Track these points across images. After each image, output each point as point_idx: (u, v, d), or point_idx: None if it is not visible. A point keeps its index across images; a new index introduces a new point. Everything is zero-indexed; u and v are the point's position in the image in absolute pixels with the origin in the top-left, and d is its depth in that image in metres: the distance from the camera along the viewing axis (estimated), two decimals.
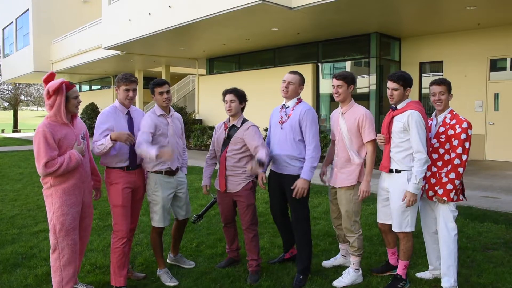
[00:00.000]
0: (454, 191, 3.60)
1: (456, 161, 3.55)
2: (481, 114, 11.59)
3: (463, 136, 3.54)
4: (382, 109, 12.72)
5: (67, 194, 3.39)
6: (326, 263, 4.35)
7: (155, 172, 3.92)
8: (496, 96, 11.53)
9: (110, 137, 3.57)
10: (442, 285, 3.67)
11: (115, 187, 3.72)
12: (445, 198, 3.60)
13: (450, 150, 3.60)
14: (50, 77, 3.37)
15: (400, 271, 3.81)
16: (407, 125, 3.56)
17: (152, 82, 3.96)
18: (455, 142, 3.56)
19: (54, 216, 3.39)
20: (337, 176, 3.98)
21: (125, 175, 3.75)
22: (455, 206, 3.70)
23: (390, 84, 3.69)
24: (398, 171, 3.67)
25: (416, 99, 12.39)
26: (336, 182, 3.99)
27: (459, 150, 3.54)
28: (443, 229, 3.67)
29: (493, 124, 11.50)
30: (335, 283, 3.87)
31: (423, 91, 12.87)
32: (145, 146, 3.63)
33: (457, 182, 3.57)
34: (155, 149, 3.58)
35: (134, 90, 3.77)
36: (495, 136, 11.50)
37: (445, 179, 3.61)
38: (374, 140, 3.82)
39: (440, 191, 3.62)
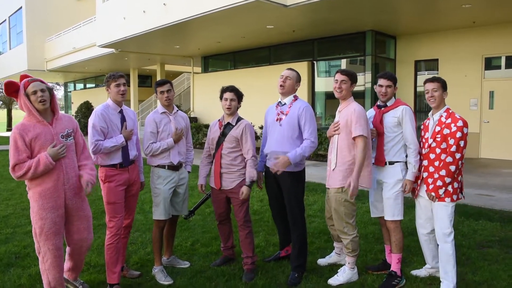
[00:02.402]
0: (443, 188, 3.57)
1: (448, 159, 3.54)
2: (476, 112, 11.61)
3: (458, 134, 3.52)
4: None
5: (43, 198, 3.23)
6: (322, 261, 4.35)
7: (158, 166, 4.06)
8: (491, 94, 11.56)
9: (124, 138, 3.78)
10: None
11: (108, 185, 3.74)
12: (433, 194, 3.60)
13: (447, 149, 3.57)
14: (20, 79, 3.28)
15: (394, 266, 3.82)
16: (401, 119, 3.80)
17: (155, 82, 4.19)
18: (451, 141, 3.54)
19: (33, 220, 3.28)
20: (329, 177, 3.94)
21: (119, 172, 3.77)
22: (454, 208, 3.64)
23: (384, 82, 3.87)
24: (391, 163, 3.84)
25: (411, 97, 12.57)
26: (328, 183, 3.96)
27: (453, 148, 3.53)
28: (440, 236, 3.63)
29: (488, 122, 11.53)
30: (330, 281, 3.87)
31: (418, 89, 12.89)
32: (158, 143, 4.02)
33: (447, 180, 3.55)
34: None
35: (124, 85, 3.82)
36: (490, 134, 11.53)
37: (436, 175, 3.61)
38: (363, 136, 3.66)
39: (431, 187, 3.65)
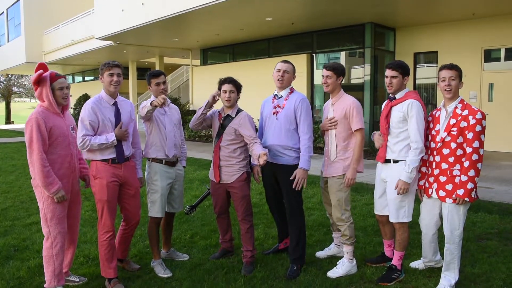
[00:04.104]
0: (475, 189, 3.32)
1: (474, 157, 3.26)
2: (475, 104, 11.56)
3: (478, 128, 3.25)
4: (377, 100, 12.70)
5: None
6: (320, 254, 4.35)
7: (155, 161, 3.97)
8: (490, 86, 11.53)
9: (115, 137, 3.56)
10: (441, 283, 3.55)
11: (99, 181, 3.56)
12: (467, 199, 3.31)
13: (465, 144, 3.31)
14: (39, 67, 3.42)
15: (395, 261, 3.80)
16: (406, 115, 3.55)
17: (148, 73, 4.01)
18: (470, 135, 3.27)
19: (44, 205, 3.39)
20: (329, 166, 3.99)
21: (110, 168, 3.58)
22: (467, 207, 3.49)
23: (389, 72, 3.67)
24: (395, 161, 3.66)
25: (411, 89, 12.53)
26: (328, 172, 4.00)
27: (476, 144, 3.25)
28: (449, 236, 3.46)
29: (487, 114, 11.47)
30: (329, 273, 3.87)
31: (417, 81, 12.85)
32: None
33: (476, 179, 3.29)
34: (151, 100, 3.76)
35: (119, 75, 3.61)
36: (489, 127, 11.33)
37: (464, 178, 3.29)
38: (362, 129, 3.83)
39: (461, 192, 3.31)
